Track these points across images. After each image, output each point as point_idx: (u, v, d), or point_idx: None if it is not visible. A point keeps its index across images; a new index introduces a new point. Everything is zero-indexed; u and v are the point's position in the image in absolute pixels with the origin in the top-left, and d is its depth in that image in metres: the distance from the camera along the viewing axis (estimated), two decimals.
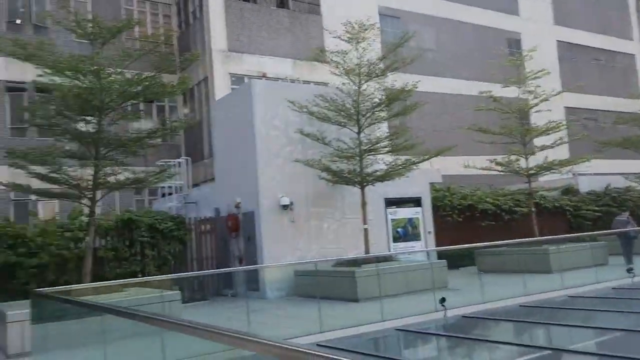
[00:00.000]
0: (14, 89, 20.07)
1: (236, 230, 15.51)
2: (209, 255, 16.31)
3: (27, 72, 20.18)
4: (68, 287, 9.73)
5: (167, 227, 15.26)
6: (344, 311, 10.70)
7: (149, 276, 14.50)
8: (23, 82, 20.06)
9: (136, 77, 10.41)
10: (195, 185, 20.99)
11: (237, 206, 15.45)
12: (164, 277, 11.71)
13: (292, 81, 20.53)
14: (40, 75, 9.92)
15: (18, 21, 20.16)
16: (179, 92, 11.86)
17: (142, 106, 17.56)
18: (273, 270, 14.25)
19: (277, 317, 10.99)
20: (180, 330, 3.19)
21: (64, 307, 6.13)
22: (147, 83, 10.40)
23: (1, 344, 9.28)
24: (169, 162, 18.65)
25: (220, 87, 21.19)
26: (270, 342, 2.32)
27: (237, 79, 21.79)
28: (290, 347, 2.20)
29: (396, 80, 14.55)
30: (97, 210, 12.86)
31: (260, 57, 22.35)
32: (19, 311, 8.73)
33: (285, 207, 14.62)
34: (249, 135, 14.91)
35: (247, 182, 15.12)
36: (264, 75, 21.66)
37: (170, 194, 20.00)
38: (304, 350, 2.16)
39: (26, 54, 9.93)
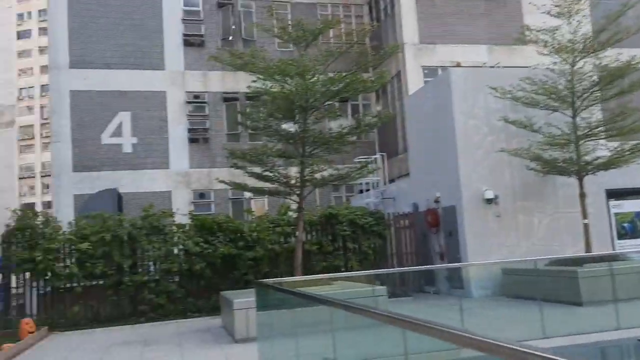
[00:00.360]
0: (229, 99, 22.32)
1: (436, 226, 15.07)
2: (408, 250, 16.15)
3: (239, 83, 22.39)
4: (284, 279, 10.35)
5: (366, 222, 15.49)
6: (566, 315, 9.57)
7: (351, 270, 14.88)
8: (236, 92, 22.20)
9: (337, 75, 10.67)
10: (391, 181, 21.03)
11: (437, 201, 15.00)
12: (372, 272, 11.81)
13: (492, 67, 19.32)
14: (254, 81, 10.73)
15: (230, 37, 22.38)
16: (378, 86, 11.89)
17: (337, 106, 18.13)
18: (478, 268, 13.50)
19: (488, 318, 10.29)
20: (407, 327, 2.92)
21: (282, 297, 6.42)
22: (348, 80, 10.59)
23: (229, 329, 10.23)
24: (366, 158, 18.93)
25: (413, 81, 20.87)
26: (517, 348, 1.90)
27: (430, 71, 21.25)
28: (538, 353, 1.76)
29: (621, 53, 12.64)
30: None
31: (454, 47, 21.49)
32: (243, 299, 9.50)
33: (489, 200, 13.74)
34: (447, 127, 14.36)
35: (446, 175, 14.58)
36: (457, 65, 20.79)
37: (367, 190, 20.36)
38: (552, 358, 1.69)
39: (241, 63, 10.83)
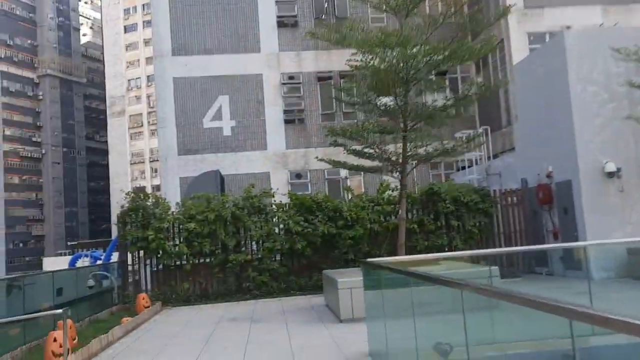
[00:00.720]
0: (323, 78, 22.19)
1: (548, 202, 14.01)
2: (517, 229, 15.18)
3: (332, 62, 22.20)
4: (388, 258, 9.99)
5: (471, 200, 14.73)
6: None
7: (455, 250, 14.26)
8: (330, 72, 22.04)
9: (440, 43, 10.04)
10: (494, 156, 19.93)
11: (549, 175, 13.92)
12: (480, 252, 11.18)
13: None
14: (355, 54, 10.36)
15: (323, 16, 22.15)
16: (486, 52, 11.06)
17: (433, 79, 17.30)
18: (598, 248, 12.36)
19: (619, 302, 9.35)
20: (574, 317, 2.49)
21: (392, 276, 6.11)
22: (453, 47, 9.92)
23: (333, 309, 10.11)
24: (468, 133, 18.00)
25: (518, 49, 19.52)
26: None
27: (536, 38, 19.78)
28: None
29: None
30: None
31: (563, 9, 19.81)
32: (347, 279, 9.33)
33: (610, 174, 12.50)
34: (561, 95, 13.19)
35: (559, 148, 13.45)
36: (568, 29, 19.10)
37: (469, 166, 19.44)
38: None
39: (338, 37, 10.51)
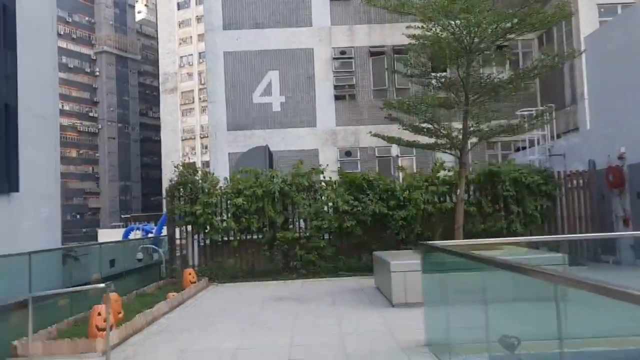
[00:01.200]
0: (375, 53, 21.41)
1: (620, 186, 12.96)
2: (582, 214, 14.17)
3: (386, 37, 21.39)
4: (446, 242, 9.39)
5: (533, 181, 13.81)
6: None
7: (514, 235, 13.46)
8: (383, 46, 21.25)
9: (509, 9, 9.18)
10: (557, 136, 18.74)
11: (621, 157, 12.84)
12: (550, 238, 10.40)
13: None
14: (415, 20, 9.64)
15: None
16: (559, 19, 10.10)
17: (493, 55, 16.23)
18: None
19: None
20: None
21: (456, 261, 5.59)
22: (524, 13, 9.04)
23: (385, 292, 9.61)
24: (530, 111, 16.91)
25: (587, 22, 18.15)
26: None
27: (607, 10, 18.34)
28: None
29: None
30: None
31: None
32: (401, 261, 8.80)
33: None
34: (638, 70, 12.03)
35: (634, 127, 12.35)
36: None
37: (529, 147, 18.35)
38: None
39: (397, 4, 9.80)
